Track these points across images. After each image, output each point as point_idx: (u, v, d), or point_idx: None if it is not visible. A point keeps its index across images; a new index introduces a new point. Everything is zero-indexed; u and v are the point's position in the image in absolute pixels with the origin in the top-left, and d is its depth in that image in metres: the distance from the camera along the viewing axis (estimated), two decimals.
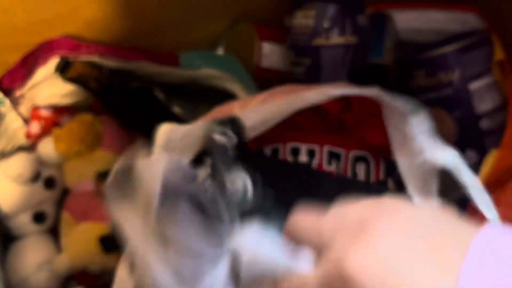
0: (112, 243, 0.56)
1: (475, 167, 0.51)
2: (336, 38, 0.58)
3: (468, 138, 0.60)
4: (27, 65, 0.58)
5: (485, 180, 0.53)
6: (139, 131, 0.68)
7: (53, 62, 0.58)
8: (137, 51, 0.57)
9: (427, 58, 0.61)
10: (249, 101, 0.47)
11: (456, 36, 0.61)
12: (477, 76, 0.59)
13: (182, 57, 0.57)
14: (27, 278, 0.57)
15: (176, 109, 0.60)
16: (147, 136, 0.67)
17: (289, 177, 0.46)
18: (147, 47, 0.58)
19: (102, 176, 0.60)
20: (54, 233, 0.62)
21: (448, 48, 0.60)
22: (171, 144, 0.43)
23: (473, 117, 0.59)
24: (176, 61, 0.58)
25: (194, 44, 0.60)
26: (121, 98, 0.61)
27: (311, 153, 0.47)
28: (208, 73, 0.60)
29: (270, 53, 0.63)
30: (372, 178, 0.48)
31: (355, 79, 0.57)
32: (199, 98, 0.63)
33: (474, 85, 0.59)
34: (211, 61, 0.58)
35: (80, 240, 0.57)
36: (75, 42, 0.57)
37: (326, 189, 0.43)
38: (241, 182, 0.36)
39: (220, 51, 0.63)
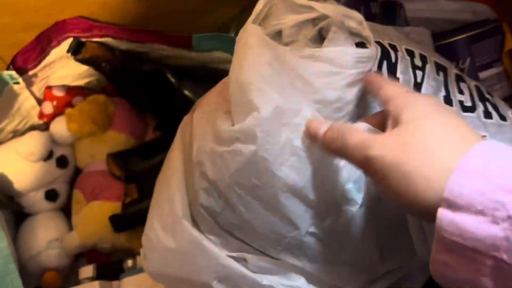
0: (122, 222, 0.57)
1: None
2: None
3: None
4: (41, 45, 0.58)
5: None
6: (150, 113, 0.69)
7: (67, 42, 0.58)
8: (150, 33, 0.58)
9: (437, 47, 0.61)
10: None
11: (467, 26, 0.61)
12: (487, 66, 0.59)
13: (194, 39, 0.58)
14: (38, 255, 0.58)
15: (187, 92, 0.60)
16: (158, 118, 0.68)
17: None
18: (160, 30, 0.58)
19: (113, 156, 0.61)
20: (65, 211, 0.64)
21: (459, 37, 0.60)
22: None
23: None
24: (189, 43, 0.58)
25: (206, 28, 0.60)
26: (133, 80, 0.62)
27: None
28: (220, 56, 0.60)
29: None
30: None
31: None
32: (209, 82, 0.63)
33: (484, 74, 0.59)
34: (223, 43, 0.58)
35: (91, 219, 0.58)
36: (88, 23, 0.58)
37: None
38: None
39: (232, 34, 0.63)
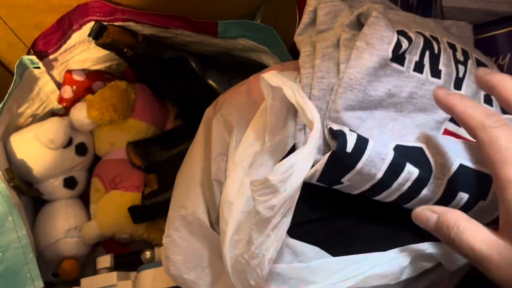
0: (141, 214, 0.56)
1: None
2: None
3: None
4: (62, 28, 0.57)
5: None
6: (171, 101, 0.67)
7: (88, 26, 0.57)
8: (174, 18, 0.55)
9: (475, 41, 0.58)
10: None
11: (508, 18, 0.58)
12: None
13: (220, 25, 0.55)
14: (56, 243, 0.57)
15: (211, 81, 0.58)
16: (179, 107, 0.67)
17: None
18: (184, 15, 0.56)
19: (133, 145, 0.60)
20: (83, 199, 0.63)
21: (500, 32, 0.57)
22: None
23: None
24: (214, 29, 0.56)
25: (232, 14, 0.58)
26: (155, 67, 0.60)
27: None
28: (245, 44, 0.58)
29: None
30: None
31: None
32: (233, 71, 0.61)
33: None
34: (249, 30, 0.55)
35: (110, 209, 0.58)
36: (110, 6, 0.56)
37: None
38: None
39: (258, 22, 0.61)
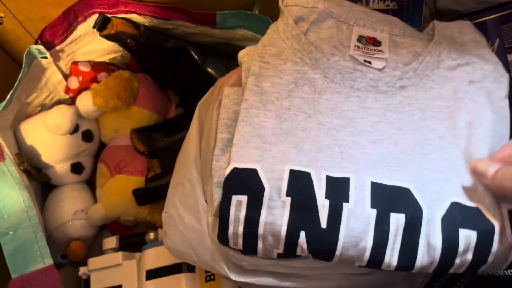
0: (145, 196, 0.59)
1: None
2: (376, 4, 0.57)
3: None
4: (68, 20, 0.59)
5: None
6: (173, 90, 0.69)
7: (93, 18, 0.59)
8: (174, 10, 0.58)
9: None
10: None
11: (496, 6, 0.60)
12: None
13: (219, 16, 0.58)
14: (64, 224, 0.60)
15: (210, 70, 0.60)
16: (181, 95, 0.69)
17: None
18: (184, 7, 0.58)
19: (137, 132, 0.62)
20: (89, 184, 0.65)
21: (488, 18, 0.58)
22: None
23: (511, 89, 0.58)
24: (213, 20, 0.58)
25: (230, 5, 0.60)
26: (157, 57, 0.62)
27: None
28: (243, 34, 0.60)
29: None
30: None
31: None
32: (233, 60, 0.64)
33: None
34: (247, 20, 0.58)
35: (115, 192, 0.60)
36: None
37: None
38: None
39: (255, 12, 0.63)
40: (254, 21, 0.59)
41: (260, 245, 0.38)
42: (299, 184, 0.37)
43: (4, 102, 0.55)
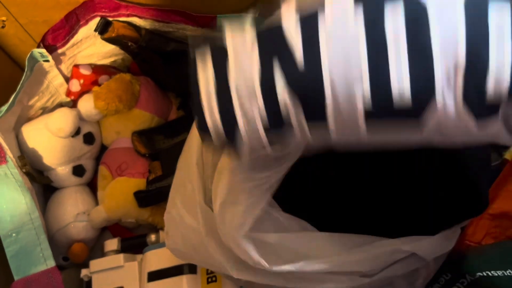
0: (146, 198, 0.59)
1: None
2: None
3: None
4: (69, 24, 0.60)
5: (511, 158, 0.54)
6: (174, 93, 0.70)
7: (94, 22, 0.60)
8: (175, 13, 0.58)
9: None
10: None
11: None
12: None
13: (219, 20, 0.58)
14: (66, 227, 0.60)
15: None
16: (182, 98, 0.69)
17: None
18: (185, 10, 0.59)
19: (138, 134, 0.63)
20: (91, 188, 0.66)
21: None
22: None
23: None
24: (214, 23, 0.58)
25: (231, 9, 0.60)
26: (158, 59, 0.63)
27: None
28: None
29: None
30: None
31: None
32: None
33: None
34: None
35: (117, 194, 0.60)
36: (115, 3, 0.59)
37: None
38: None
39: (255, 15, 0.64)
40: None
41: (236, 104, 0.30)
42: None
43: (7, 105, 0.55)
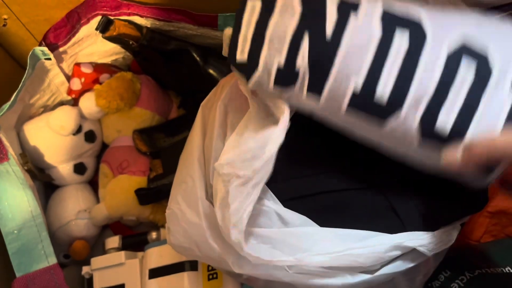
0: (147, 196, 0.59)
1: None
2: None
3: None
4: (71, 22, 0.60)
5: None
6: (174, 91, 0.70)
7: (96, 20, 0.60)
8: (176, 12, 0.59)
9: None
10: None
11: (492, 8, 0.60)
12: None
13: (220, 18, 0.59)
14: (67, 224, 0.60)
15: (212, 71, 0.61)
16: (182, 96, 0.70)
17: None
18: (186, 9, 0.59)
19: (139, 132, 0.63)
20: (93, 186, 0.66)
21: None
22: None
23: None
24: (215, 22, 0.59)
25: (232, 7, 0.60)
26: (159, 58, 0.63)
27: None
28: None
29: None
30: None
31: None
32: None
33: None
34: None
35: (118, 192, 0.61)
36: (116, 1, 0.59)
37: None
38: None
39: None
40: None
41: (264, 51, 0.37)
42: None
43: (9, 103, 0.55)
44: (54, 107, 0.64)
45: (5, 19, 0.59)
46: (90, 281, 0.57)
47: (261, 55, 0.37)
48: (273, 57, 0.37)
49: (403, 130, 0.36)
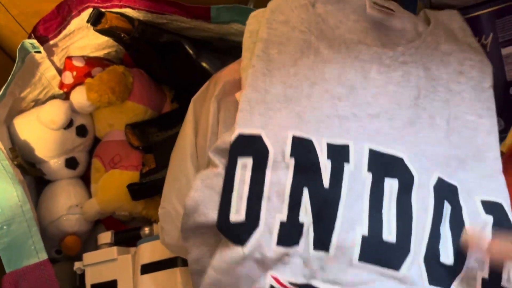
0: (140, 191, 0.59)
1: (501, 135, 0.51)
2: None
3: (497, 105, 0.59)
4: (61, 14, 0.59)
5: (507, 150, 0.53)
6: (167, 85, 0.69)
7: (87, 12, 0.59)
8: (169, 4, 0.58)
9: None
10: None
11: (491, 0, 0.60)
12: (510, 42, 0.58)
13: (213, 10, 0.58)
14: (59, 219, 0.60)
15: (205, 64, 0.60)
16: (175, 90, 0.69)
17: None
18: (179, 1, 0.58)
19: (131, 126, 0.62)
20: (85, 181, 0.65)
21: (482, 12, 0.58)
22: None
23: (504, 84, 0.59)
24: (207, 14, 0.58)
25: (224, 0, 0.60)
26: (151, 51, 0.62)
27: None
28: (237, 29, 0.60)
29: None
30: None
31: None
32: (227, 55, 0.64)
33: (507, 51, 0.58)
34: (241, 15, 0.58)
35: (110, 187, 0.60)
36: None
37: None
38: None
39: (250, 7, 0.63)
40: (248, 15, 0.58)
41: (263, 209, 0.37)
42: (302, 147, 0.38)
43: None
44: (45, 101, 0.63)
45: None
46: (82, 276, 0.56)
47: (261, 215, 0.37)
48: (273, 213, 0.37)
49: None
